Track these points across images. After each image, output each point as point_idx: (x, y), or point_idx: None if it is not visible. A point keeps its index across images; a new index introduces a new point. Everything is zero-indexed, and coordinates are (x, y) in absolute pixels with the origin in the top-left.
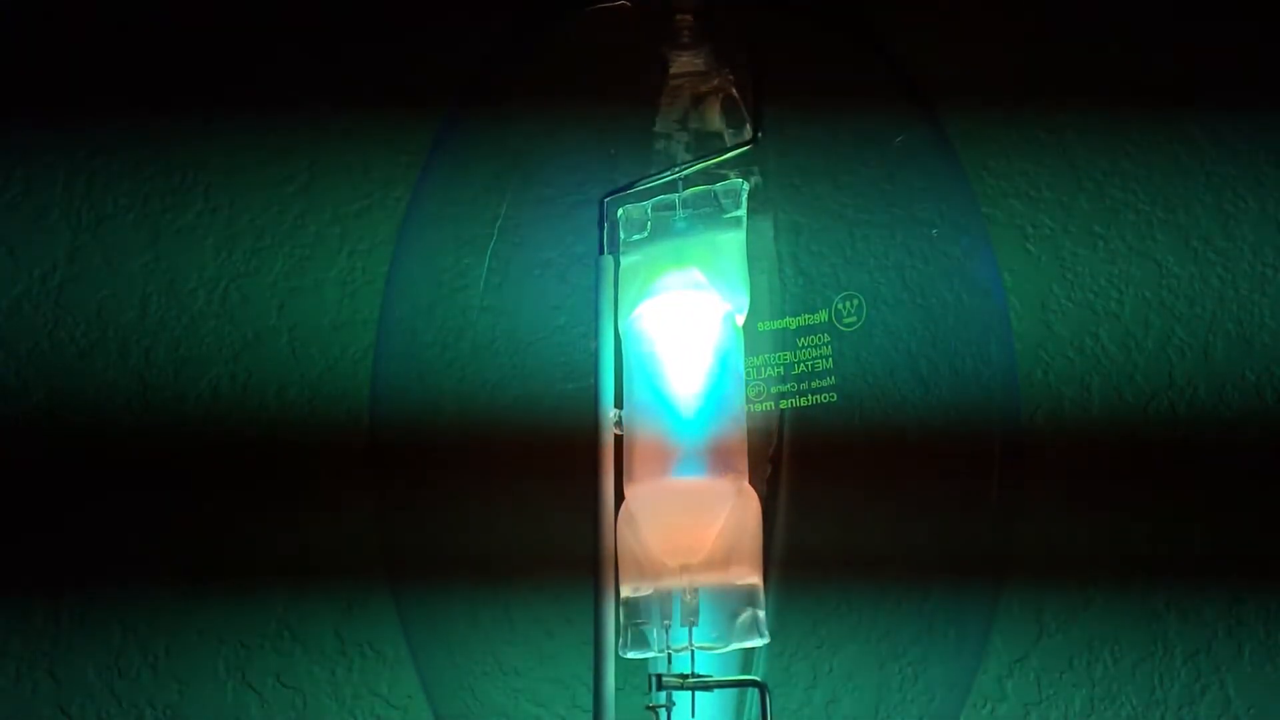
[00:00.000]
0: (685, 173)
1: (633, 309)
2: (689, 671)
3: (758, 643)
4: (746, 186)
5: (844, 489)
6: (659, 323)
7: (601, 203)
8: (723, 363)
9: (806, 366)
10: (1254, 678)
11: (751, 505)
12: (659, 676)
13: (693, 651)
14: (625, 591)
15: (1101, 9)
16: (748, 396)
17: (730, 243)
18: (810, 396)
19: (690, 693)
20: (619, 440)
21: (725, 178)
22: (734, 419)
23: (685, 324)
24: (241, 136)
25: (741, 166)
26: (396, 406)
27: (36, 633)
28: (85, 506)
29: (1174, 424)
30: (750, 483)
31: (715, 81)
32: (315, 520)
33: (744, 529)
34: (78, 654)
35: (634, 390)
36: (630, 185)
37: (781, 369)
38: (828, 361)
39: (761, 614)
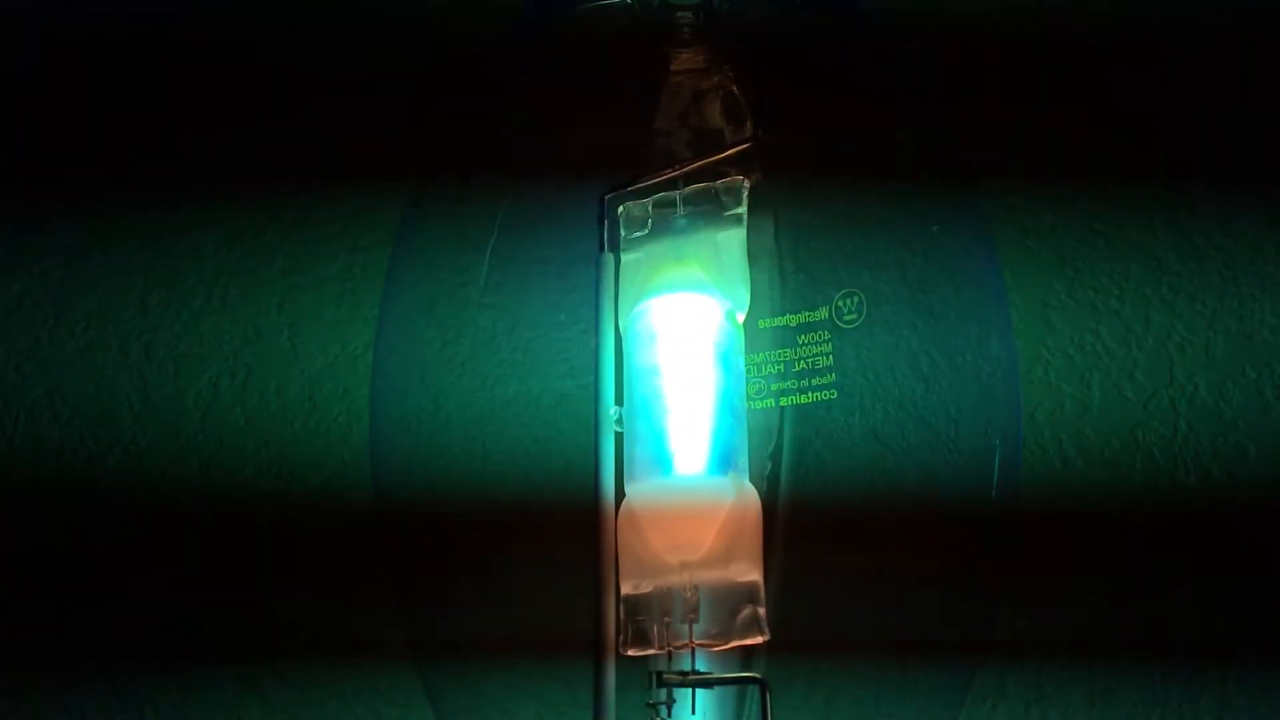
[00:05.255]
0: (686, 170)
1: (633, 306)
2: (689, 668)
3: (758, 640)
4: (747, 184)
5: (845, 486)
6: (660, 320)
7: (602, 200)
8: (723, 360)
9: (807, 364)
10: (1254, 676)
11: (752, 502)
12: (659, 674)
13: (693, 649)
14: (626, 589)
15: (1103, 9)
16: (748, 394)
17: (731, 240)
18: (811, 394)
19: (691, 690)
20: (619, 438)
21: (726, 175)
22: (734, 416)
23: (686, 321)
24: (241, 133)
25: (742, 164)
26: (396, 404)
27: (36, 630)
28: (84, 506)
29: (1174, 421)
30: (750, 480)
31: (716, 78)
32: (315, 519)
33: (744, 526)
34: (78, 650)
35: (634, 388)
36: (631, 182)
37: (782, 366)
38: (828, 359)
39: (762, 611)
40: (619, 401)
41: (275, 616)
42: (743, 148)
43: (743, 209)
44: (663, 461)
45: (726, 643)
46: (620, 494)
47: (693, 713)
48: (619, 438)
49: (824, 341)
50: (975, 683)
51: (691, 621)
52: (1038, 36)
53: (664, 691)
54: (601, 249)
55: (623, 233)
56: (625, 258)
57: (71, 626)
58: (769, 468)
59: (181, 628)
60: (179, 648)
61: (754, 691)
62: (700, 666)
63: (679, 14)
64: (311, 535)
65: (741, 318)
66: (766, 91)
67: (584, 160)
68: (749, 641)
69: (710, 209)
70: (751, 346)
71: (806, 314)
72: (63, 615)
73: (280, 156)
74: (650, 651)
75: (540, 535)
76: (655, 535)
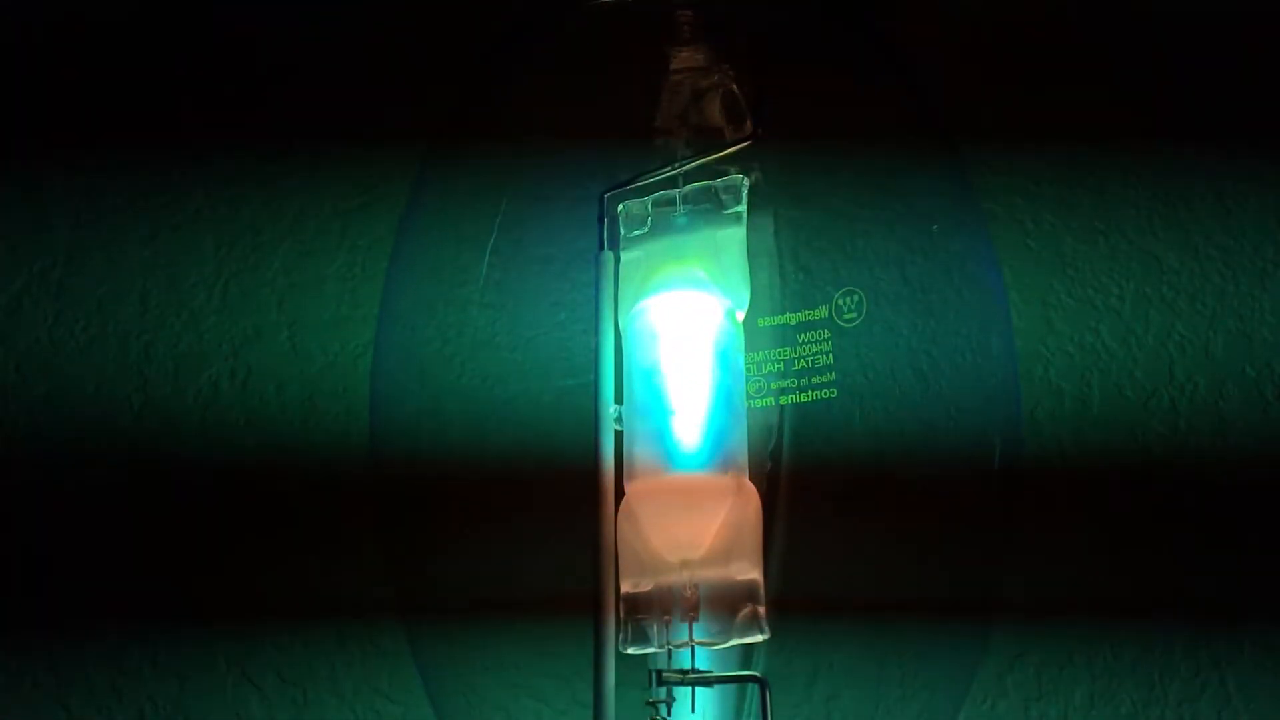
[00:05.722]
0: (685, 168)
1: (633, 305)
2: (689, 667)
3: (758, 638)
4: (747, 182)
5: (844, 484)
6: (659, 319)
7: (602, 198)
8: (723, 358)
9: (807, 362)
10: (1254, 673)
11: (752, 501)
12: (659, 672)
13: (693, 647)
14: (626, 587)
15: (1102, 5)
16: (748, 392)
17: (730, 238)
18: (811, 392)
19: (690, 688)
20: (619, 436)
21: (726, 173)
22: (734, 415)
23: (685, 320)
24: (241, 132)
25: (742, 162)
26: (396, 402)
27: (36, 628)
28: (84, 501)
29: (1174, 419)
30: (750, 479)
31: (715, 77)
32: (315, 516)
33: (744, 525)
34: (78, 649)
35: (634, 386)
36: (631, 181)
37: (782, 365)
38: (828, 357)
39: (762, 610)
40: (619, 400)
41: (275, 614)
42: (742, 146)
43: (742, 207)
44: (663, 460)
45: (726, 641)
46: (620, 492)
47: (692, 711)
48: (619, 436)
49: (824, 340)
50: (975, 681)
51: (691, 620)
52: (1039, 36)
53: (664, 690)
54: (601, 247)
55: (622, 231)
56: (625, 256)
57: (71, 625)
58: (769, 466)
59: (181, 625)
60: (179, 645)
61: (754, 690)
62: (700, 665)
63: (679, 12)
64: (311, 533)
65: (741, 316)
66: (766, 88)
67: (584, 158)
68: (749, 640)
69: (710, 207)
70: (751, 345)
71: (806, 312)
72: (63, 614)
73: (279, 155)
74: (650, 650)
75: (541, 533)
76: (655, 533)
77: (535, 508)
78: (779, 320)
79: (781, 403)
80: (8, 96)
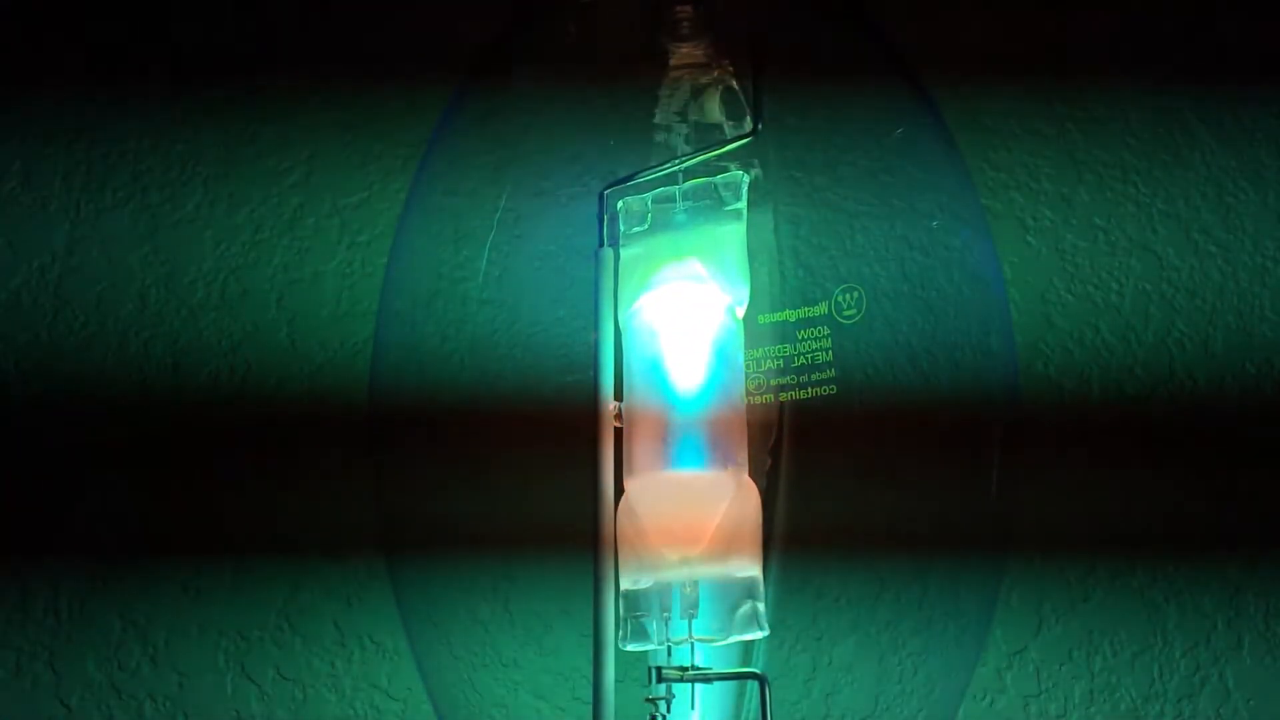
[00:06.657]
0: (685, 165)
1: (633, 301)
2: (689, 664)
3: (757, 635)
4: (747, 179)
5: (844, 481)
6: (659, 315)
7: (601, 195)
8: (722, 355)
9: (806, 359)
10: (1253, 670)
11: (751, 497)
12: (659, 669)
13: (692, 644)
14: (625, 584)
15: (1103, 4)
16: (748, 389)
17: (730, 235)
18: (810, 389)
19: (690, 685)
20: (619, 432)
21: (725, 170)
22: (734, 411)
23: (685, 316)
24: (240, 128)
25: (741, 158)
26: (395, 399)
27: (36, 625)
28: (84, 499)
29: (1174, 416)
30: (750, 475)
31: (715, 73)
32: (315, 512)
33: (744, 521)
34: (77, 646)
35: (634, 383)
36: (630, 177)
37: (781, 361)
38: (828, 354)
39: (761, 606)
40: (618, 396)
41: (274, 613)
42: (742, 142)
43: (742, 204)
44: (663, 456)
45: (726, 638)
46: (620, 489)
47: (692, 708)
48: (618, 432)
49: (823, 337)
50: (975, 677)
51: (691, 616)
52: (1041, 33)
53: (663, 687)
54: (601, 244)
55: (622, 227)
56: (625, 252)
57: (71, 621)
58: (768, 463)
59: (182, 623)
60: (178, 642)
61: (753, 687)
62: (700, 661)
63: (678, 8)
64: (312, 532)
65: (741, 312)
66: (766, 85)
67: (583, 154)
68: (748, 636)
69: (710, 203)
70: (751, 341)
71: (806, 309)
72: (61, 610)
73: (278, 151)
74: (649, 646)
75: (541, 531)
76: (655, 530)
77: (535, 505)
78: (779, 317)
79: (781, 399)
80: (7, 93)
